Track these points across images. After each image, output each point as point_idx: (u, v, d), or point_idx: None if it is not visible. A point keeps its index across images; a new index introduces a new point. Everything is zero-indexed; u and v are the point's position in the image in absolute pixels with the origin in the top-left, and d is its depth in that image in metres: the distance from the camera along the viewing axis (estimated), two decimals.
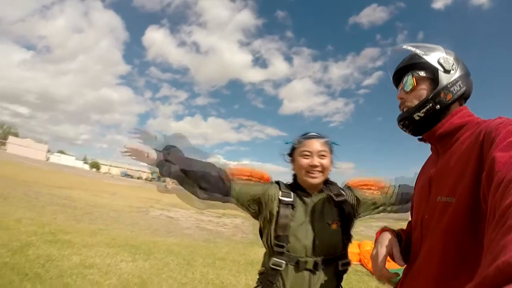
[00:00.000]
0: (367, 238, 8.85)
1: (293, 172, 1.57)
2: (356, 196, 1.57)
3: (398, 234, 1.15)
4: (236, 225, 11.75)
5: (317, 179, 1.45)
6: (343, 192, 1.53)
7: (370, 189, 1.62)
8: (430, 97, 1.01)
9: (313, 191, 1.50)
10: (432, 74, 1.04)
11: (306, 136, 1.52)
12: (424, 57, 1.04)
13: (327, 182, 1.55)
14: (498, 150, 0.68)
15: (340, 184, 1.61)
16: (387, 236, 1.12)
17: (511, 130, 0.74)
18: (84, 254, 4.60)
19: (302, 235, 1.38)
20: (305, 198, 1.48)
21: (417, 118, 1.04)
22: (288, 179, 1.60)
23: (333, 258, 1.39)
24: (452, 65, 1.02)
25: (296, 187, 1.52)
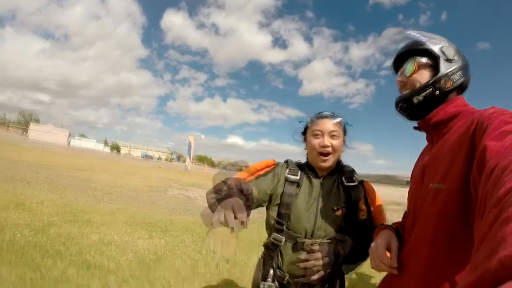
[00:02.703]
0: None
1: (306, 151, 1.54)
2: (365, 196, 1.46)
3: (396, 231, 1.15)
4: None
5: (328, 162, 1.42)
6: (355, 178, 1.47)
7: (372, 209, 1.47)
8: (430, 82, 1.03)
9: (323, 172, 1.48)
10: (434, 61, 1.05)
11: (318, 116, 1.48)
12: (427, 43, 1.05)
13: (339, 164, 1.52)
14: (490, 139, 0.69)
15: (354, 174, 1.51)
16: (385, 232, 1.14)
17: (504, 120, 0.75)
18: (102, 232, 4.79)
19: (304, 216, 1.37)
20: (313, 179, 1.46)
21: (415, 101, 1.06)
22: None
23: (331, 241, 1.36)
24: (454, 55, 1.04)
25: (307, 166, 1.51)
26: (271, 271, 1.40)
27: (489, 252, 0.33)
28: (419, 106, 1.06)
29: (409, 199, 1.14)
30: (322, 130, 1.42)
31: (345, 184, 1.43)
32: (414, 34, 1.10)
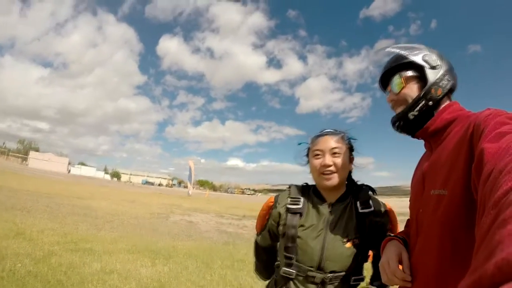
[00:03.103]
0: None
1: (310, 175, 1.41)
2: (391, 224, 1.36)
3: (404, 241, 1.12)
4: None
5: (331, 180, 1.29)
6: (371, 203, 1.32)
7: None
8: (422, 95, 1.02)
9: (331, 197, 1.35)
10: (419, 72, 1.05)
11: (318, 134, 1.38)
12: (409, 56, 1.05)
13: (353, 186, 1.40)
14: (486, 141, 0.68)
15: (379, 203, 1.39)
16: (394, 244, 1.11)
17: (499, 121, 0.74)
18: (104, 261, 4.69)
19: (311, 248, 1.26)
20: (320, 206, 1.33)
21: (411, 117, 1.05)
22: (305, 179, 1.47)
23: (344, 276, 1.26)
24: (437, 60, 1.04)
25: (313, 191, 1.39)
26: None
27: (487, 255, 0.33)
28: (416, 120, 1.05)
29: (411, 207, 1.12)
30: (323, 149, 1.31)
31: (359, 211, 1.29)
32: (394, 49, 1.10)
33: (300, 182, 1.48)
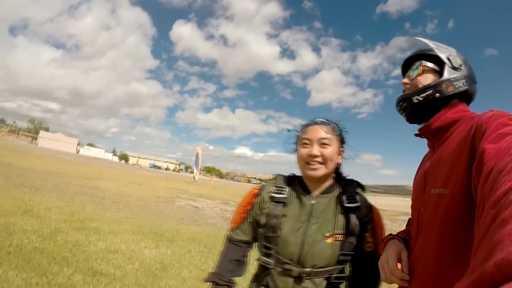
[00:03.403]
0: (391, 232, 8.72)
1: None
2: (373, 226, 1.30)
3: (404, 240, 1.11)
4: None
5: (317, 171, 1.24)
6: (357, 198, 1.28)
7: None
8: (432, 84, 1.04)
9: (316, 188, 1.31)
10: (439, 67, 1.06)
11: (307, 123, 1.33)
12: (435, 50, 1.08)
13: (341, 180, 1.37)
14: (487, 141, 0.68)
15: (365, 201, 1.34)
16: (395, 243, 1.11)
17: (501, 122, 0.75)
18: (109, 241, 4.77)
19: (291, 241, 1.23)
20: (303, 198, 1.29)
21: (415, 101, 1.06)
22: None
23: (324, 271, 1.22)
24: (460, 65, 1.05)
25: (299, 182, 1.35)
26: None
27: (486, 254, 0.32)
28: (418, 106, 1.07)
29: (412, 206, 1.13)
30: (311, 138, 1.26)
31: (345, 205, 1.25)
32: (424, 40, 1.14)
33: None
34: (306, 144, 1.26)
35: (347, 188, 1.31)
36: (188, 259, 4.58)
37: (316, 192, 1.30)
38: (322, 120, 1.31)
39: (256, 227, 1.34)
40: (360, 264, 1.28)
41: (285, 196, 1.29)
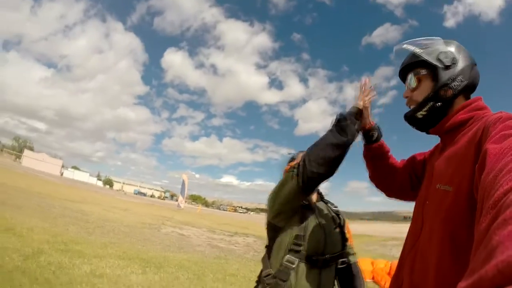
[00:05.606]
0: (381, 257, 8.63)
1: None
2: (346, 225, 1.67)
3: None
4: (248, 243, 11.65)
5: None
6: (337, 206, 1.68)
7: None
8: (430, 96, 1.05)
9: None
10: (432, 71, 1.06)
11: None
12: (423, 55, 1.07)
13: (322, 196, 1.71)
14: (491, 142, 0.68)
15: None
16: None
17: (508, 124, 0.75)
18: (94, 264, 4.55)
19: (316, 236, 1.44)
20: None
21: (420, 116, 1.09)
22: None
23: (336, 257, 1.47)
24: (452, 59, 1.03)
25: None
26: None
27: (486, 256, 0.32)
28: (426, 119, 1.08)
29: (417, 199, 1.15)
30: None
31: (333, 208, 1.63)
32: (410, 47, 1.12)
33: None
34: None
35: (326, 200, 1.69)
36: (176, 286, 4.38)
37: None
38: None
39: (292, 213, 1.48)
40: (347, 256, 1.57)
41: (308, 203, 1.54)
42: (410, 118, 1.12)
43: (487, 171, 0.58)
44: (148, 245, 7.50)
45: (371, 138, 1.41)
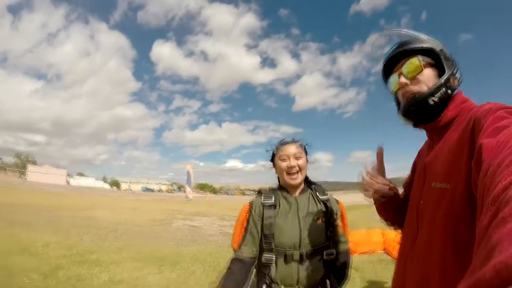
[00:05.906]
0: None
1: (277, 175, 1.71)
2: (340, 213, 1.67)
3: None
4: None
5: (296, 179, 1.59)
6: (327, 193, 1.67)
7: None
8: (443, 81, 0.97)
9: (295, 191, 1.64)
10: (436, 60, 1.02)
11: (282, 143, 1.67)
12: (431, 43, 1.02)
13: (310, 183, 1.71)
14: (485, 136, 0.68)
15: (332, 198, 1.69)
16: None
17: (498, 115, 0.74)
18: (112, 271, 4.70)
19: (288, 231, 1.51)
20: (288, 197, 1.62)
21: (431, 102, 0.98)
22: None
23: (318, 249, 1.51)
24: (450, 54, 1.02)
25: (280, 188, 1.67)
26: (264, 286, 1.50)
27: (485, 255, 0.32)
28: (432, 108, 1.00)
29: (411, 198, 1.10)
30: (288, 154, 1.60)
31: (320, 197, 1.62)
32: (411, 32, 1.06)
33: None
34: (284, 159, 1.60)
35: (315, 187, 1.68)
36: (194, 280, 4.54)
37: (296, 194, 1.63)
38: (292, 139, 1.67)
39: (258, 234, 1.55)
40: (335, 245, 1.58)
41: (273, 201, 1.58)
42: (420, 103, 1.00)
43: (484, 167, 0.57)
44: (161, 243, 7.66)
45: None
